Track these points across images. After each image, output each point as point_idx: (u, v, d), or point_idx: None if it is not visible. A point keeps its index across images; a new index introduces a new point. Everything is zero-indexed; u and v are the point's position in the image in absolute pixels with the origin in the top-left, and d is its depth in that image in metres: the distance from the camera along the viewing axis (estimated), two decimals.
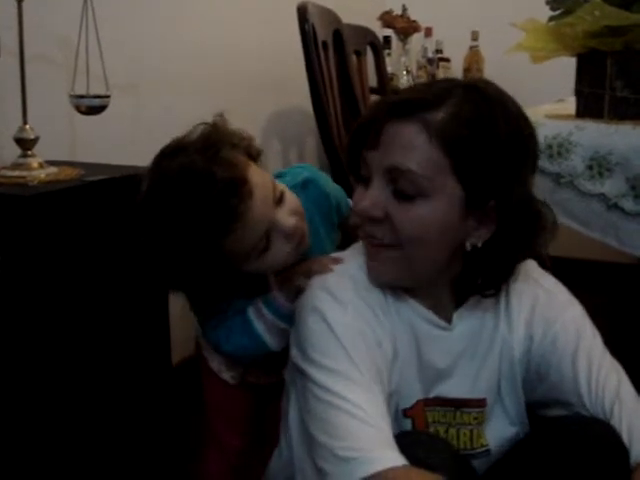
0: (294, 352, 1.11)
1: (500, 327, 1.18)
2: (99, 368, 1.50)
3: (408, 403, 1.13)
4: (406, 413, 1.13)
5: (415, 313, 1.13)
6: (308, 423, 1.05)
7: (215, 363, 1.48)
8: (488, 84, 1.10)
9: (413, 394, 1.14)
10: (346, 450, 0.97)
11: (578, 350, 1.15)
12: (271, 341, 1.28)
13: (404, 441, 1.02)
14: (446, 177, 1.03)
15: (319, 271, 1.16)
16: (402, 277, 1.10)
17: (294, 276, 1.23)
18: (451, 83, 1.08)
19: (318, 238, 1.33)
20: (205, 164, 1.11)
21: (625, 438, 1.08)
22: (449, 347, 1.15)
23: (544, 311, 1.18)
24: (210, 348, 1.44)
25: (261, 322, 1.27)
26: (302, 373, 1.08)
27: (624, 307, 2.86)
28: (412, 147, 1.03)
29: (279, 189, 1.21)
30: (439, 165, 1.02)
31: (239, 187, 1.11)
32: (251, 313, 1.28)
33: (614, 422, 1.09)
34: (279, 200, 1.21)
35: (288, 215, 1.21)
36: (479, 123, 1.03)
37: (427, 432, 1.14)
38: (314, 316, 1.08)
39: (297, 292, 1.20)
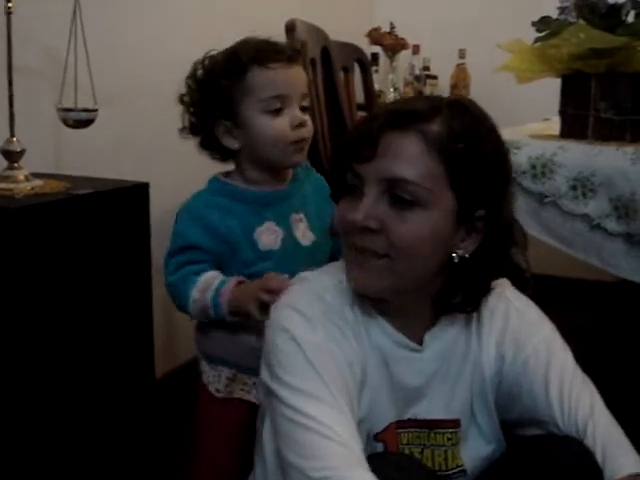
0: (263, 372, 1.10)
1: (472, 347, 1.18)
2: (83, 382, 1.50)
3: (379, 427, 1.13)
4: (377, 437, 1.13)
5: (385, 335, 1.13)
6: (279, 444, 1.04)
7: (204, 375, 1.48)
8: (471, 102, 1.12)
9: (384, 417, 1.13)
10: (318, 470, 0.97)
11: (549, 371, 1.15)
12: (192, 307, 1.36)
13: (377, 462, 1.02)
14: (442, 188, 1.04)
15: (275, 287, 1.22)
16: (388, 287, 1.09)
17: (249, 301, 1.29)
18: (437, 99, 1.10)
19: (310, 218, 1.41)
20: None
21: (599, 457, 1.08)
22: (420, 368, 1.15)
23: (515, 332, 1.18)
24: (203, 361, 1.46)
25: (198, 293, 1.34)
26: (272, 394, 1.07)
27: (607, 325, 2.88)
28: (412, 157, 1.03)
29: (307, 103, 1.40)
30: (436, 176, 1.03)
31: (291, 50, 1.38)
32: (200, 282, 1.34)
33: (588, 441, 1.09)
34: (303, 107, 1.38)
35: (302, 115, 1.37)
36: (470, 137, 1.05)
37: (400, 453, 1.14)
38: (283, 336, 1.07)
39: (244, 314, 1.30)
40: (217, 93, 1.37)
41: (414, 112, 1.04)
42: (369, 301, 1.12)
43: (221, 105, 1.37)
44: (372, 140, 1.05)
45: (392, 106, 1.10)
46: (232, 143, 1.40)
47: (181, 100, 1.41)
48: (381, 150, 1.04)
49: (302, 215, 1.41)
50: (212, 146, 1.42)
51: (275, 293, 1.21)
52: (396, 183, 1.04)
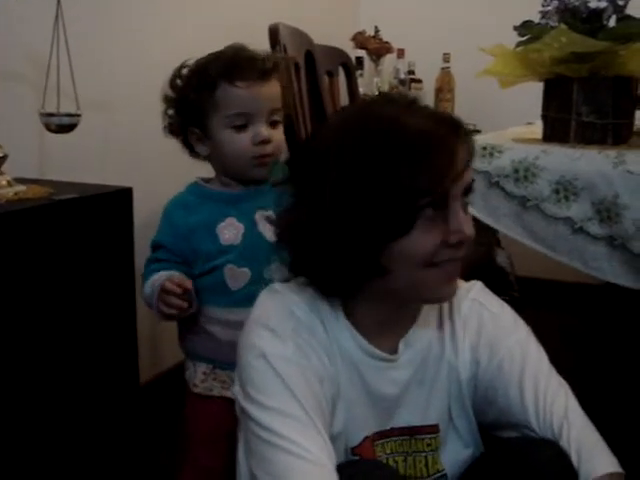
0: (236, 390, 1.10)
1: (446, 352, 1.18)
2: (66, 387, 1.49)
3: (356, 441, 1.13)
4: (354, 451, 1.13)
5: (358, 348, 1.12)
6: (250, 462, 1.04)
7: (186, 372, 1.52)
8: None
9: (362, 431, 1.13)
10: None
11: (524, 374, 1.15)
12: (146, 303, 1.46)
13: (348, 471, 1.02)
14: None
15: (169, 287, 1.36)
16: None
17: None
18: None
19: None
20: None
21: (574, 459, 1.08)
22: (396, 377, 1.15)
23: (489, 335, 1.18)
24: (185, 357, 1.52)
25: (148, 291, 1.45)
26: (244, 412, 1.06)
27: (591, 327, 2.89)
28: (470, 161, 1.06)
29: (279, 117, 1.45)
30: None
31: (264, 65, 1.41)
32: (149, 282, 1.45)
33: (563, 443, 1.09)
34: (273, 122, 1.44)
35: (269, 132, 1.42)
36: None
37: (373, 461, 1.13)
38: (253, 353, 1.06)
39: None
40: (187, 105, 1.43)
41: (457, 118, 1.06)
42: (342, 315, 1.12)
43: (191, 116, 1.44)
44: (468, 156, 1.05)
45: (447, 117, 1.06)
46: (202, 150, 1.48)
47: (163, 100, 1.47)
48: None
49: (270, 212, 1.42)
50: (188, 147, 1.49)
51: (171, 294, 1.36)
52: (469, 188, 1.06)
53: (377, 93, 3.25)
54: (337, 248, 1.04)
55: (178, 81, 1.45)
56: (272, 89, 1.44)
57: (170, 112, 1.46)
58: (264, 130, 1.42)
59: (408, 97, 1.09)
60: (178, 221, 1.47)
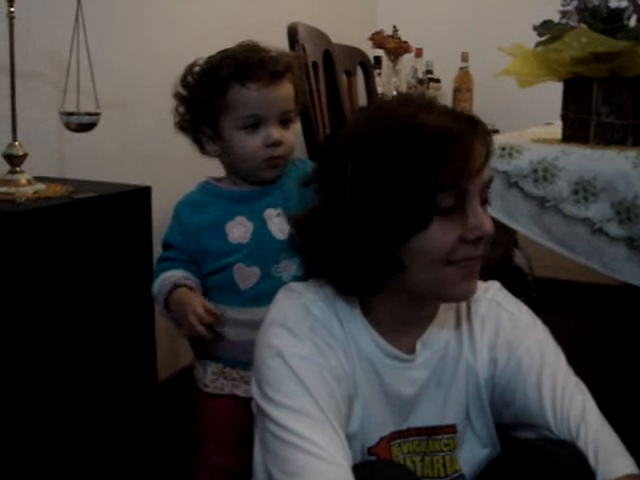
0: (254, 389, 1.10)
1: (464, 352, 1.18)
2: (85, 385, 1.50)
3: (372, 441, 1.13)
4: (371, 451, 1.12)
5: (376, 347, 1.12)
6: (266, 461, 1.04)
7: (195, 371, 1.51)
8: None
9: (379, 430, 1.13)
10: None
11: (542, 374, 1.15)
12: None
13: (364, 472, 1.02)
14: None
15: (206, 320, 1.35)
16: None
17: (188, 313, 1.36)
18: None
19: (290, 203, 1.40)
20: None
21: (591, 460, 1.08)
22: (413, 377, 1.15)
23: (507, 335, 1.18)
24: (194, 356, 1.51)
25: (156, 289, 1.45)
26: (261, 411, 1.07)
27: (609, 329, 2.87)
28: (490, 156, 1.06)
29: (291, 116, 1.44)
30: None
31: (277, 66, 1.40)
32: (158, 281, 1.45)
33: (580, 444, 1.09)
34: (284, 121, 1.43)
35: (280, 134, 1.41)
36: None
37: (389, 461, 1.13)
38: (270, 352, 1.07)
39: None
40: (199, 104, 1.42)
41: (474, 116, 1.07)
42: (359, 314, 1.12)
43: (202, 115, 1.43)
44: (486, 153, 1.04)
45: (465, 115, 1.07)
46: (212, 149, 1.47)
47: (175, 97, 1.46)
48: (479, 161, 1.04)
49: (280, 210, 1.42)
50: (199, 144, 1.48)
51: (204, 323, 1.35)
52: (488, 185, 1.07)
53: (395, 93, 3.25)
54: (356, 244, 1.05)
55: (189, 79, 1.44)
56: (284, 90, 1.43)
57: (181, 110, 1.45)
58: (275, 132, 1.41)
59: (426, 96, 1.11)
60: (187, 220, 1.47)
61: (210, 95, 1.41)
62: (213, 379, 1.47)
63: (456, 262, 1.04)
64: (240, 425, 1.37)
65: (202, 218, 1.46)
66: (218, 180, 1.51)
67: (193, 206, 1.48)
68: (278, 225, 1.42)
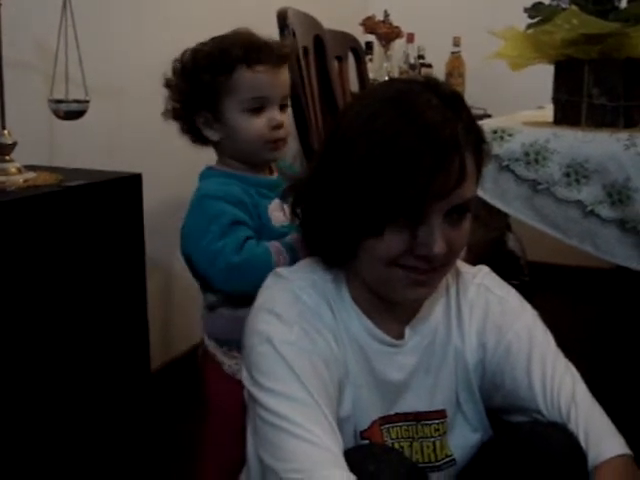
0: (244, 375, 1.10)
1: (452, 338, 1.18)
2: (78, 375, 1.50)
3: (364, 425, 1.13)
4: (363, 435, 1.13)
5: (365, 332, 1.13)
6: (258, 446, 1.04)
7: (217, 356, 1.49)
8: (444, 83, 1.13)
9: (369, 414, 1.13)
10: (291, 472, 0.97)
11: (531, 357, 1.15)
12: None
13: (356, 455, 1.02)
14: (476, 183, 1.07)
15: None
16: (434, 289, 1.12)
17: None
18: (432, 99, 1.03)
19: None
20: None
21: (582, 441, 1.09)
22: (402, 362, 1.15)
23: (496, 319, 1.18)
24: (213, 343, 1.48)
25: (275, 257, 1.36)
26: (251, 397, 1.07)
27: (602, 312, 2.88)
28: (471, 175, 1.02)
29: (288, 101, 1.47)
30: (476, 177, 1.06)
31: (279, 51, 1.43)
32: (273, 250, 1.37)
33: (571, 426, 1.10)
34: (282, 106, 1.45)
35: (282, 117, 1.44)
36: (474, 123, 1.07)
37: (381, 445, 1.13)
38: (259, 338, 1.07)
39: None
40: (201, 86, 1.42)
41: (455, 135, 1.00)
42: (349, 298, 1.13)
43: (204, 98, 1.42)
44: (460, 175, 1.00)
45: (446, 135, 0.99)
46: (212, 134, 1.46)
47: (167, 84, 1.46)
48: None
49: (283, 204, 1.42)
50: (193, 132, 1.47)
51: None
52: (462, 204, 1.03)
53: (387, 78, 3.24)
54: (323, 221, 1.09)
55: (188, 61, 1.44)
56: (285, 75, 1.46)
57: (175, 97, 1.45)
58: (278, 115, 1.44)
59: (422, 93, 1.03)
60: (239, 196, 1.41)
61: (215, 77, 1.41)
62: (233, 362, 1.46)
63: (403, 266, 1.04)
64: None
65: (251, 200, 1.43)
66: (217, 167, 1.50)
67: (236, 185, 1.43)
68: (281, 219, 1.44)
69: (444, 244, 1.02)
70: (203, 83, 1.42)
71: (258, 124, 1.43)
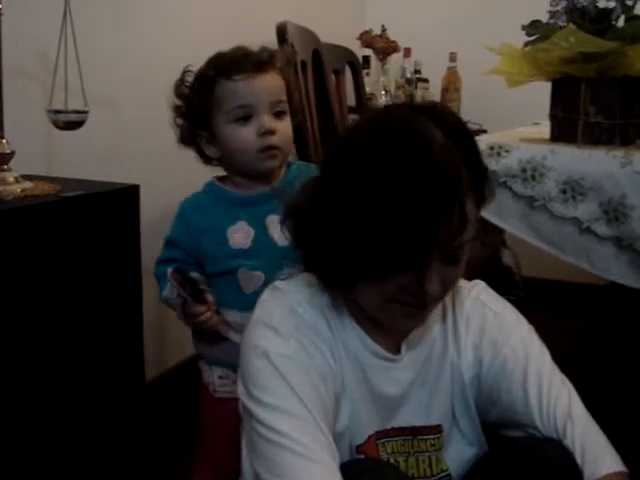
0: (240, 389, 1.10)
1: (449, 353, 1.18)
2: (72, 385, 1.50)
3: (361, 439, 1.12)
4: (359, 449, 1.12)
5: (362, 346, 1.12)
6: (253, 461, 1.04)
7: (204, 374, 1.51)
8: (452, 115, 1.08)
9: (365, 429, 1.13)
10: None
11: (527, 372, 1.15)
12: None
13: (352, 470, 1.02)
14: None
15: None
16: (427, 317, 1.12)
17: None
18: (440, 138, 0.99)
19: None
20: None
21: (578, 457, 1.08)
22: (398, 377, 1.15)
23: (492, 334, 1.18)
24: (201, 360, 1.51)
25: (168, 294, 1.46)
26: (247, 411, 1.06)
27: (597, 328, 2.89)
28: (471, 220, 1.01)
29: (283, 108, 1.44)
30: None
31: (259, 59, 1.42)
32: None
33: (567, 442, 1.09)
34: (277, 113, 1.43)
35: (273, 123, 1.41)
36: (479, 158, 1.05)
37: (376, 459, 1.13)
38: (255, 352, 1.06)
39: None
40: (192, 108, 1.45)
41: (458, 179, 0.97)
42: (346, 313, 1.12)
43: (198, 119, 1.45)
44: (461, 224, 0.98)
45: (438, 178, 0.96)
46: (213, 152, 1.47)
47: (172, 109, 1.48)
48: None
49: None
50: (201, 154, 1.49)
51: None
52: (460, 247, 1.03)
53: (383, 92, 3.25)
54: (323, 249, 1.06)
55: (183, 88, 1.47)
56: (271, 80, 1.43)
57: (179, 121, 1.47)
58: (267, 121, 1.41)
59: (426, 131, 0.99)
60: (190, 220, 1.47)
61: (201, 96, 1.42)
62: (222, 384, 1.48)
63: (399, 301, 1.04)
64: None
65: (204, 220, 1.46)
66: (222, 180, 1.51)
67: (197, 207, 1.49)
68: (280, 232, 1.41)
69: (440, 286, 1.02)
70: (194, 105, 1.44)
71: (246, 132, 1.41)
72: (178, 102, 1.47)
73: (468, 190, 0.99)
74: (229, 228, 1.44)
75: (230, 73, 1.40)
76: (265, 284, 1.38)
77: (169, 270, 1.41)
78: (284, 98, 1.45)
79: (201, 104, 1.43)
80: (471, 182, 1.00)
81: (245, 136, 1.41)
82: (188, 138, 1.47)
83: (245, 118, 1.41)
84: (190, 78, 1.47)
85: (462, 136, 1.02)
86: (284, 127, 1.44)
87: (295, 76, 2.15)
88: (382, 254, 0.99)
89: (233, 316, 1.44)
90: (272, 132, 1.41)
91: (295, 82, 1.85)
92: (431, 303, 1.07)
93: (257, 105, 1.41)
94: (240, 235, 1.44)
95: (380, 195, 0.97)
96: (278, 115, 1.44)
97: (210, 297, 1.42)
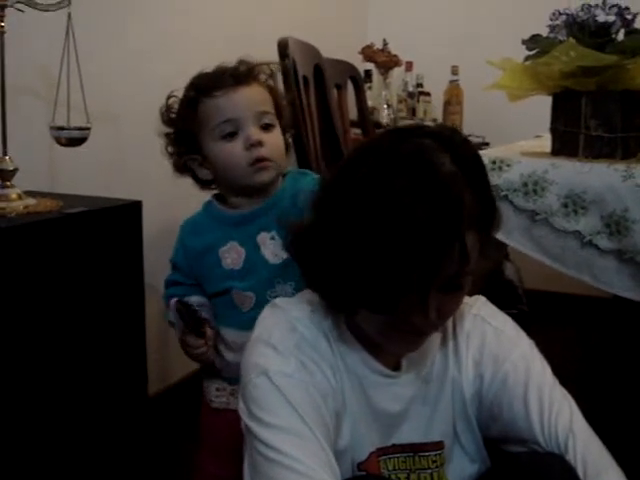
0: (241, 408, 1.09)
1: (449, 369, 1.18)
2: (76, 399, 1.50)
3: (362, 456, 1.12)
4: (360, 467, 1.12)
5: (362, 363, 1.12)
6: (254, 478, 1.04)
7: (204, 384, 1.52)
8: (461, 140, 1.05)
9: (367, 446, 1.13)
10: None
11: (528, 388, 1.14)
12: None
13: None
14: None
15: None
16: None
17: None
18: (445, 168, 0.97)
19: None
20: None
21: (580, 473, 1.07)
22: (399, 394, 1.14)
23: (493, 350, 1.17)
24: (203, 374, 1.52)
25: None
26: (248, 430, 1.06)
27: (599, 340, 2.88)
28: (473, 255, 1.00)
29: (271, 121, 1.42)
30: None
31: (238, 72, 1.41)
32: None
33: (569, 457, 1.09)
34: (265, 125, 1.41)
35: (259, 135, 1.38)
36: (487, 187, 1.04)
37: (378, 476, 1.13)
38: (255, 371, 1.06)
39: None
40: (180, 132, 1.44)
41: (461, 210, 0.96)
42: (346, 330, 1.12)
43: (186, 142, 1.44)
44: (462, 260, 0.98)
45: (452, 217, 0.95)
46: (205, 174, 1.46)
47: (163, 136, 1.48)
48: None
49: (274, 233, 1.40)
50: (196, 179, 1.49)
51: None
52: (462, 276, 1.02)
53: (386, 107, 3.26)
54: (326, 272, 1.05)
55: (168, 114, 1.47)
56: (253, 93, 1.42)
57: (170, 149, 1.46)
58: (254, 132, 1.38)
59: (432, 163, 0.97)
60: (187, 242, 1.48)
61: (185, 118, 1.42)
62: (217, 395, 1.48)
63: (399, 329, 1.05)
64: (239, 438, 1.37)
65: (199, 242, 1.46)
66: (221, 197, 1.50)
67: (194, 228, 1.49)
68: (272, 249, 1.41)
69: (438, 317, 1.03)
70: (180, 129, 1.44)
71: (234, 147, 1.38)
72: (166, 129, 1.46)
73: (472, 223, 0.98)
74: (221, 249, 1.44)
75: (210, 90, 1.39)
76: (257, 304, 1.39)
77: (172, 301, 1.42)
78: (270, 110, 1.43)
79: (187, 126, 1.42)
80: (476, 214, 0.99)
81: (233, 151, 1.39)
82: (181, 165, 1.46)
83: (231, 134, 1.39)
84: (176, 104, 1.46)
85: (471, 163, 1.01)
86: (273, 139, 1.41)
87: (297, 91, 2.17)
88: (383, 284, 0.98)
89: (232, 335, 1.44)
90: (260, 143, 1.38)
91: (292, 97, 1.86)
92: (431, 331, 1.08)
93: (241, 118, 1.38)
94: (231, 256, 1.43)
95: (381, 225, 0.96)
96: (266, 128, 1.41)
97: (209, 331, 1.41)
